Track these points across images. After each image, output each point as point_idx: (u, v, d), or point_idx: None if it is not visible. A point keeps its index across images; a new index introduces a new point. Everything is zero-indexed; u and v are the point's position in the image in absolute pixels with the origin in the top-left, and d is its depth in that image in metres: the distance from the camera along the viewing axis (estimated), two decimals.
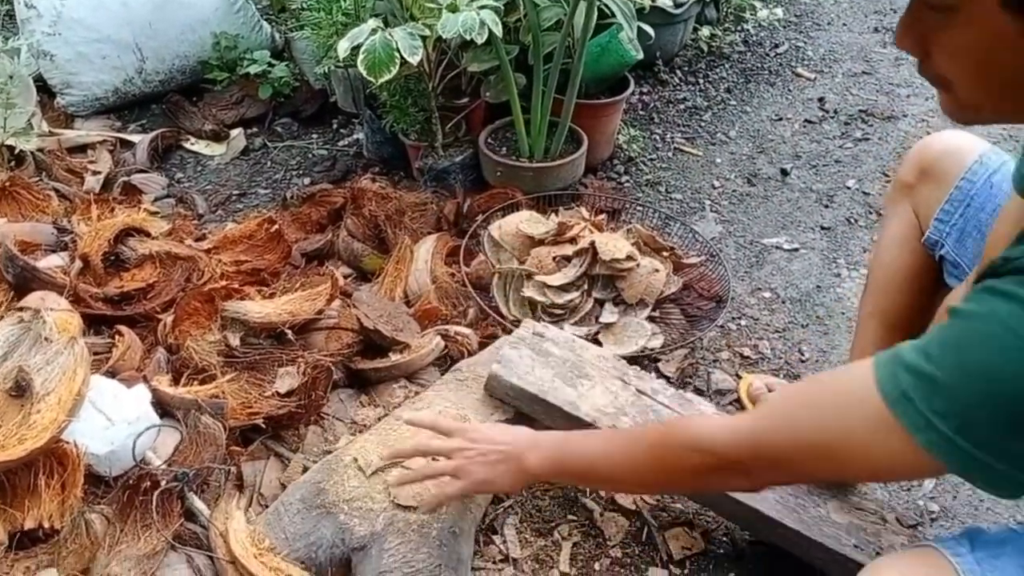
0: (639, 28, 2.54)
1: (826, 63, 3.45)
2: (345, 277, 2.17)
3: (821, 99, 3.19)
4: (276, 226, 2.13)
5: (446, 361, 1.87)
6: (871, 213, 2.61)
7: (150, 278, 1.95)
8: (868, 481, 1.56)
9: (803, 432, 0.96)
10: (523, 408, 1.64)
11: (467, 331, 1.89)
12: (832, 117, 3.09)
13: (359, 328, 1.80)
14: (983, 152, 1.42)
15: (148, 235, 2.10)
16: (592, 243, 1.99)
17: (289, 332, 1.71)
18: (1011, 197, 1.17)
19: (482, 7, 2.17)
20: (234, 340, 1.68)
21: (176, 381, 1.65)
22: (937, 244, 1.45)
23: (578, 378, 1.66)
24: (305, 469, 1.59)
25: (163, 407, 1.58)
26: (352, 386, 1.82)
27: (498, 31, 2.17)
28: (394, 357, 1.80)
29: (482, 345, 1.89)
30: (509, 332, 1.93)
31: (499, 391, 1.64)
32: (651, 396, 1.67)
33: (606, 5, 2.42)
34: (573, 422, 1.58)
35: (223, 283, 1.82)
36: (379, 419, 1.72)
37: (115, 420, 1.45)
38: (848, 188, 2.73)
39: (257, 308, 1.71)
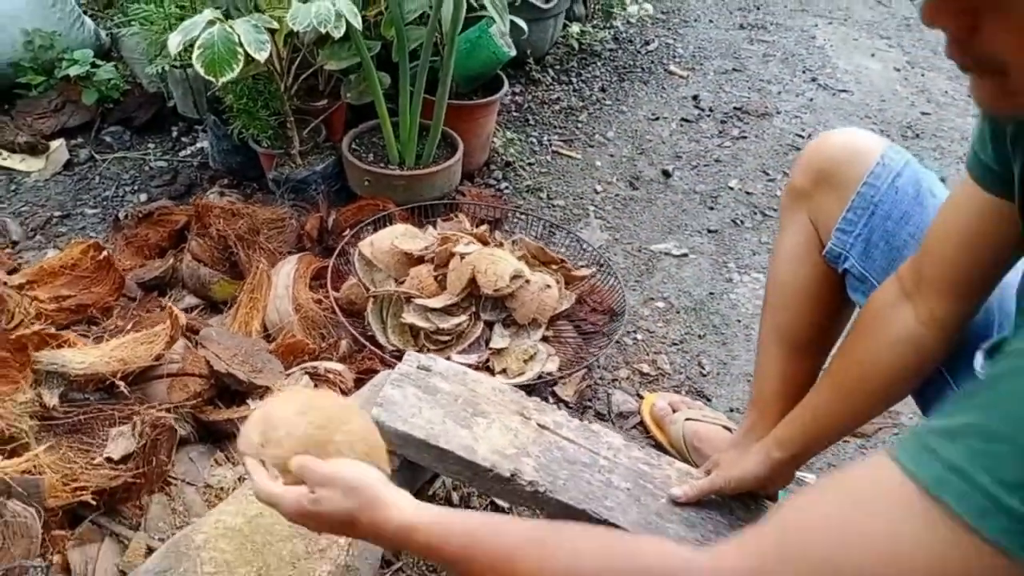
0: (512, 22, 2.35)
1: (697, 60, 3.38)
2: (191, 310, 1.88)
3: (695, 97, 3.10)
4: (104, 252, 1.81)
5: None
6: (756, 214, 2.53)
7: None
8: None
9: (830, 566, 0.64)
10: (411, 455, 1.41)
11: (340, 367, 1.64)
12: (708, 115, 3.01)
13: (209, 372, 1.52)
14: (883, 152, 1.27)
15: None
16: (472, 269, 1.78)
17: (121, 384, 1.41)
18: (958, 193, 1.05)
19: None
20: (51, 398, 1.37)
21: None
22: (840, 257, 1.31)
23: (473, 416, 1.44)
24: (150, 551, 1.30)
25: None
26: (204, 441, 1.53)
27: (357, 23, 1.93)
28: (253, 404, 1.53)
29: (358, 382, 1.64)
30: (389, 365, 1.70)
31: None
32: (554, 431, 1.48)
33: None
34: (469, 468, 1.37)
35: (37, 327, 1.50)
36: (240, 480, 1.45)
37: None
38: (731, 188, 2.63)
39: (79, 357, 1.40)
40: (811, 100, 3.15)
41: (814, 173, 1.35)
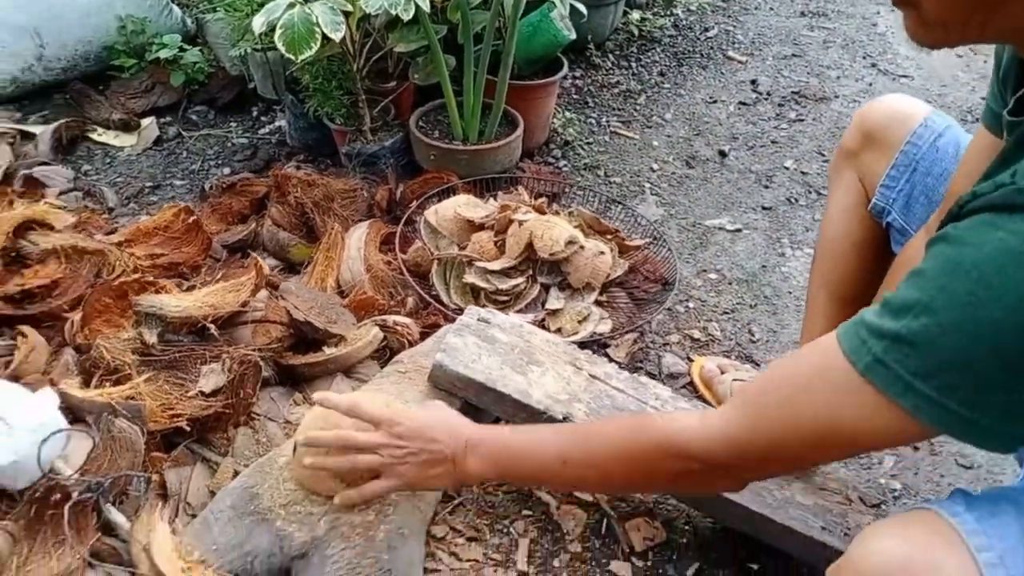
0: (572, 7, 2.46)
1: (756, 46, 3.43)
2: (271, 269, 2.03)
3: (754, 81, 3.16)
4: (194, 216, 1.97)
5: (385, 353, 1.75)
6: (811, 192, 2.59)
7: (55, 274, 1.77)
8: (859, 455, 1.53)
9: (782, 424, 0.89)
10: (471, 399, 1.53)
11: (407, 320, 1.76)
12: (766, 99, 3.07)
13: (288, 321, 1.66)
14: (927, 115, 1.37)
15: (52, 229, 1.92)
16: (530, 234, 1.89)
17: (211, 327, 1.56)
18: (975, 138, 1.13)
19: None
20: (150, 337, 1.52)
21: (87, 383, 1.48)
22: (884, 211, 1.40)
23: (528, 364, 1.56)
24: (236, 474, 1.45)
25: (73, 412, 1.42)
26: (283, 384, 1.67)
27: (425, 6, 2.05)
28: (328, 351, 1.66)
29: (423, 335, 1.77)
30: (452, 321, 1.82)
31: (444, 381, 1.53)
32: (604, 381, 1.59)
33: None
34: (525, 411, 1.48)
35: (136, 276, 1.66)
36: None
37: (15, 426, 1.28)
38: (786, 168, 2.69)
39: (174, 302, 1.56)
40: (870, 85, 3.18)
41: (863, 135, 1.44)
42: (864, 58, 3.38)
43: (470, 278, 1.89)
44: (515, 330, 1.63)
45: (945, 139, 1.35)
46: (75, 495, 1.28)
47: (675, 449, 1.00)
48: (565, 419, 1.45)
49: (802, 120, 2.94)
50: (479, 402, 1.53)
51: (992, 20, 0.73)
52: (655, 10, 3.51)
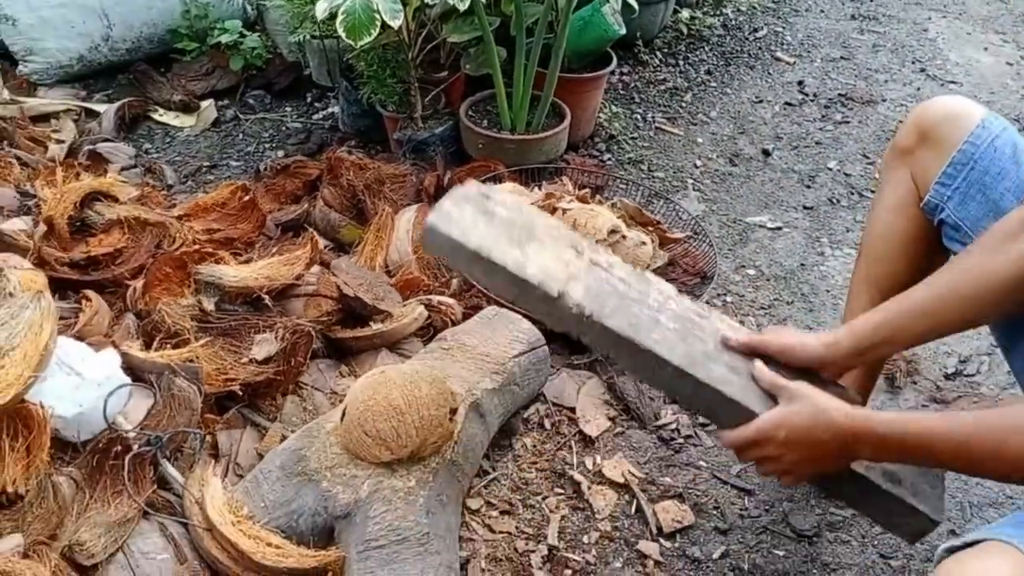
0: (623, 2, 2.50)
1: (805, 48, 3.44)
2: (322, 248, 2.10)
3: (801, 82, 3.17)
4: (250, 194, 2.05)
5: (429, 331, 1.81)
6: (853, 194, 2.60)
7: (118, 243, 1.86)
8: None
9: None
10: (460, 267, 1.32)
11: (451, 301, 1.82)
12: (812, 100, 3.08)
13: (339, 296, 1.73)
14: (984, 116, 1.40)
15: (116, 200, 2.01)
16: (573, 222, 1.93)
17: (266, 297, 1.64)
18: None
19: None
20: (209, 304, 1.60)
21: (147, 346, 1.56)
22: (937, 208, 1.43)
23: (527, 241, 1.31)
24: (283, 439, 1.52)
25: (134, 372, 1.50)
26: (331, 356, 1.75)
27: None
28: (375, 326, 1.73)
29: (466, 316, 1.82)
30: (494, 302, 1.88)
31: (434, 246, 1.27)
32: (607, 270, 1.42)
33: None
34: (518, 285, 1.26)
35: (196, 247, 1.74)
36: None
37: (85, 376, 1.37)
38: (830, 169, 2.71)
39: (232, 272, 1.64)
40: (918, 90, 3.17)
41: (919, 133, 1.47)
42: (913, 63, 3.37)
43: None
44: (517, 209, 1.44)
45: (1002, 140, 1.38)
46: (135, 448, 1.36)
47: None
48: (560, 296, 1.25)
49: (847, 122, 2.95)
50: (468, 273, 1.43)
51: None
52: (705, 9, 3.53)
